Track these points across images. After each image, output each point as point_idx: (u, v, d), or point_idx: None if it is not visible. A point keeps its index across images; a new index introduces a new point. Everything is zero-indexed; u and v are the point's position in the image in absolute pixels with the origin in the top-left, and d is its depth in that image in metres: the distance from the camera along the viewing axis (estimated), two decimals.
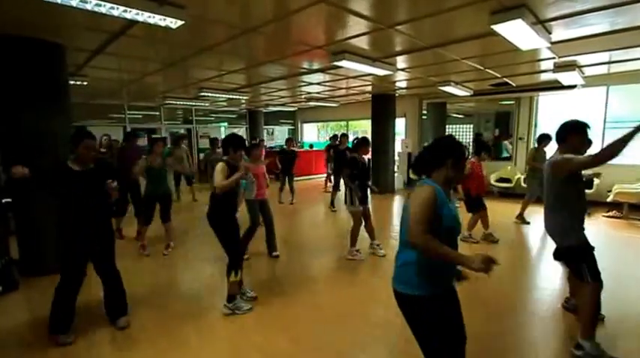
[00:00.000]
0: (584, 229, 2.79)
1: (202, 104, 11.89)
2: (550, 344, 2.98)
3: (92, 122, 11.00)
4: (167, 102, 10.90)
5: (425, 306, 1.77)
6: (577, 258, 2.76)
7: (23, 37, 4.10)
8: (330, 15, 3.73)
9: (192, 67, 6.32)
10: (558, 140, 2.83)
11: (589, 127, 2.75)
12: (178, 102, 11.21)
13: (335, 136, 9.32)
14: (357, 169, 4.86)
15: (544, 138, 6.57)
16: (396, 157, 11.32)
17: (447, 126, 12.06)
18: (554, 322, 3.32)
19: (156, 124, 12.60)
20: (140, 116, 12.42)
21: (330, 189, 8.97)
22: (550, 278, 4.37)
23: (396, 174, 10.91)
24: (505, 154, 10.80)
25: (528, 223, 6.65)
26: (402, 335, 2.97)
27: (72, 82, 6.17)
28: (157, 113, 12.59)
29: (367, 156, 5.24)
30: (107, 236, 3.20)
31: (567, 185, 2.71)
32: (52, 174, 2.97)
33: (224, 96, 9.30)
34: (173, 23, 3.49)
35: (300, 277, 4.45)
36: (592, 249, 2.74)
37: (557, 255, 2.90)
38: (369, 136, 8.03)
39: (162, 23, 3.46)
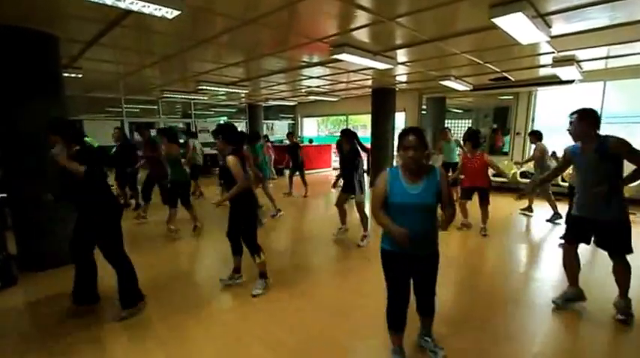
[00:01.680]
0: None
1: (201, 98, 11.84)
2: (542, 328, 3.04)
3: (89, 116, 10.95)
4: (165, 95, 10.84)
5: (381, 255, 2.46)
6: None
7: (13, 27, 3.98)
8: (331, 6, 3.72)
9: (190, 60, 6.28)
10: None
11: None
12: (177, 96, 11.12)
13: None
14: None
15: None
16: (395, 152, 11.34)
17: (446, 121, 12.07)
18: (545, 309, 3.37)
19: (154, 118, 12.55)
20: (138, 110, 12.35)
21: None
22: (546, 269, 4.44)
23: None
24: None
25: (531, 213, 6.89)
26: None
27: (66, 75, 6.12)
28: (156, 107, 12.54)
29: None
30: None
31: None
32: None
33: (223, 89, 9.26)
34: (169, 13, 3.43)
35: (304, 267, 4.53)
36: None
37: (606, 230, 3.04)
38: (368, 130, 8.08)
39: (158, 13, 3.39)
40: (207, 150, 11.09)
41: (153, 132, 8.05)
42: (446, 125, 11.41)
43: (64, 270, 4.26)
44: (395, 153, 11.25)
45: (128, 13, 3.66)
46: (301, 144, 10.86)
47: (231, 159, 3.43)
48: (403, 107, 11.43)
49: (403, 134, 2.25)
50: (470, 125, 12.95)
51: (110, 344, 2.90)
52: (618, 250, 3.03)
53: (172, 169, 5.68)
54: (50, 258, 4.39)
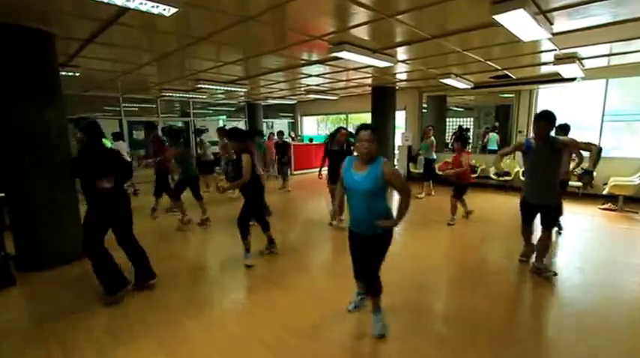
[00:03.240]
0: None
1: (200, 96, 11.77)
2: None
3: (87, 115, 10.85)
4: (163, 94, 10.80)
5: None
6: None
7: (8, 24, 3.95)
8: (330, 3, 3.69)
9: (188, 58, 6.24)
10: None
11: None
12: (175, 95, 11.06)
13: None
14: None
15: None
16: (396, 151, 11.29)
17: (447, 120, 12.04)
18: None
19: (153, 117, 12.49)
20: (136, 108, 12.30)
21: None
22: None
23: (396, 167, 10.84)
24: (494, 147, 10.82)
25: None
26: (397, 325, 3.04)
27: (64, 73, 6.13)
28: (154, 106, 12.48)
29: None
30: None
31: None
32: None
33: (222, 88, 9.22)
34: (166, 11, 3.42)
35: (298, 264, 4.55)
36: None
37: (548, 210, 3.92)
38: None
39: (155, 11, 3.38)
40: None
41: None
42: (447, 124, 11.43)
43: (60, 270, 4.31)
44: (396, 151, 11.24)
45: (125, 10, 3.63)
46: (292, 144, 12.17)
47: (245, 157, 4.09)
48: (403, 105, 11.37)
49: (359, 129, 2.69)
50: (471, 124, 12.94)
51: (110, 344, 2.87)
52: (551, 225, 4.01)
53: (182, 167, 6.02)
54: (48, 258, 4.38)
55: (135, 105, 12.18)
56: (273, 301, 3.56)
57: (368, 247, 2.78)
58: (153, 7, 3.30)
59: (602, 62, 6.90)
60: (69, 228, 4.49)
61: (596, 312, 3.29)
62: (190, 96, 11.56)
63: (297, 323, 3.12)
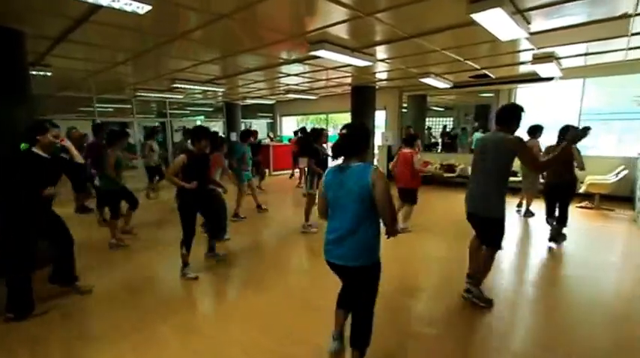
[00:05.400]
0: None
1: (177, 96, 11.48)
2: None
3: (59, 116, 10.41)
4: (139, 94, 10.47)
5: (378, 267, 2.31)
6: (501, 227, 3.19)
7: None
8: (306, 1, 3.59)
9: (164, 57, 6.03)
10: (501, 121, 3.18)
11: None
12: (151, 95, 10.75)
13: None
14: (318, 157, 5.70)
15: (537, 130, 6.19)
16: (376, 151, 11.25)
17: (427, 119, 12.07)
18: None
19: (128, 118, 12.11)
20: (111, 109, 11.89)
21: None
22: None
23: None
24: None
25: (533, 215, 6.61)
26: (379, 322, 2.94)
27: (34, 73, 5.92)
28: (129, 106, 12.08)
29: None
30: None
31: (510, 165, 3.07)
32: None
33: (199, 87, 9.01)
34: (140, 8, 3.36)
35: (273, 267, 4.50)
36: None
37: (483, 223, 3.24)
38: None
39: (128, 8, 3.32)
40: None
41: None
42: (427, 123, 11.46)
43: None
44: (376, 151, 11.20)
45: (98, 7, 3.49)
46: (269, 144, 12.99)
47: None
48: (383, 105, 11.33)
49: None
50: (451, 123, 13.07)
51: (80, 350, 2.78)
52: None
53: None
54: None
55: (109, 105, 11.79)
56: (250, 303, 3.50)
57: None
58: (126, 4, 3.23)
59: (579, 62, 7.00)
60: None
61: (575, 309, 3.31)
62: (167, 96, 11.25)
63: (272, 326, 3.08)
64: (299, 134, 10.72)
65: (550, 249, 4.94)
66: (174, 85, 8.40)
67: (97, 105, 11.19)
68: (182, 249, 4.06)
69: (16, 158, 3.16)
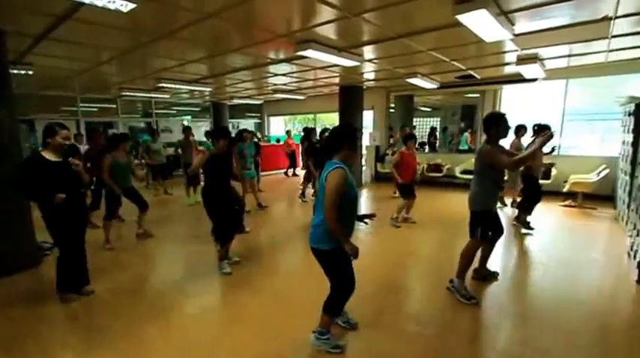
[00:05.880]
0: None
1: (163, 96, 11.32)
2: None
3: (42, 115, 10.20)
4: (124, 94, 10.30)
5: (335, 255, 2.48)
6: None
7: None
8: (294, 1, 3.58)
9: (149, 56, 5.95)
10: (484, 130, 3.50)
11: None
12: (136, 94, 10.59)
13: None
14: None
15: (520, 129, 6.30)
16: (364, 151, 11.28)
17: (414, 119, 12.14)
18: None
19: (112, 118, 11.91)
20: (95, 109, 11.69)
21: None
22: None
23: (363, 168, 10.87)
24: (464, 147, 11.10)
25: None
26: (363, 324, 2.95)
27: (15, 71, 5.78)
28: (114, 106, 11.89)
29: None
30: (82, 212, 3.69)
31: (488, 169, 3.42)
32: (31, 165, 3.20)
33: (185, 87, 8.90)
34: (124, 6, 3.29)
35: (266, 266, 4.50)
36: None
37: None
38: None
39: (112, 6, 3.26)
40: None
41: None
42: (414, 123, 11.53)
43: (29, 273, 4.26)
44: (364, 151, 11.23)
45: (80, 5, 3.42)
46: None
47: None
48: (371, 105, 11.36)
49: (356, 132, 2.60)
50: (438, 123, 13.19)
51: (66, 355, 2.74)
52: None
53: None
54: (11, 262, 4.22)
55: (94, 105, 11.59)
56: (238, 305, 3.48)
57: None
58: (109, 2, 3.17)
59: (562, 63, 7.12)
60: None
61: (557, 306, 3.36)
62: (152, 95, 11.08)
63: (261, 327, 3.06)
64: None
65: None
66: (160, 85, 8.28)
67: (81, 104, 11.03)
68: (216, 245, 4.26)
69: (24, 162, 3.28)
